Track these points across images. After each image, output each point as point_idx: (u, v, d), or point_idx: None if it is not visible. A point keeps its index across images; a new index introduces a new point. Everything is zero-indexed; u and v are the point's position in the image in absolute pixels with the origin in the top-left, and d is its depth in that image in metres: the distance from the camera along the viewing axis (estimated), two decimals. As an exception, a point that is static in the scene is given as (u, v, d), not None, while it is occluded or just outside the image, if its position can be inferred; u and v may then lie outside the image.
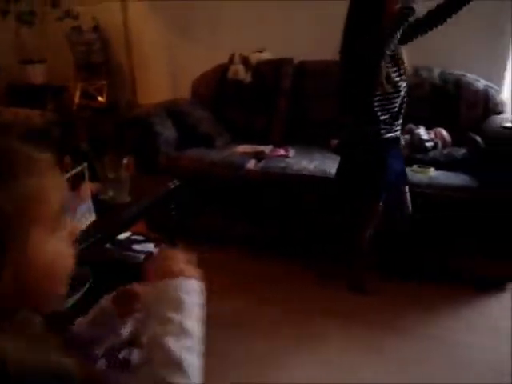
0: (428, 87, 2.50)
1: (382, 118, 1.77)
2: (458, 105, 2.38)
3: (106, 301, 0.80)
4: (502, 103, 2.39)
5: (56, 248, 0.51)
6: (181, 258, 0.67)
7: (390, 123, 1.81)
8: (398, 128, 1.86)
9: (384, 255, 2.07)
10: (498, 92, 2.42)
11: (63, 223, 0.53)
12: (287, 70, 2.73)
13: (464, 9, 1.66)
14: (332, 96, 2.58)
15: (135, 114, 2.65)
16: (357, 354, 1.69)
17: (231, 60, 2.76)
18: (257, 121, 2.78)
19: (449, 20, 1.70)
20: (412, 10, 1.64)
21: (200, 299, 0.64)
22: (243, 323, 1.83)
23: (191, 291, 0.63)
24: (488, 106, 2.35)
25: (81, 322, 0.79)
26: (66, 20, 3.11)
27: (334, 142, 2.54)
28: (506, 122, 2.13)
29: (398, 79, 1.76)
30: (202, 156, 2.35)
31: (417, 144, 2.25)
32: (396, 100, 1.79)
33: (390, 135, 1.82)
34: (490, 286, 2.05)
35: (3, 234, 0.46)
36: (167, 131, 2.43)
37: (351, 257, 2.05)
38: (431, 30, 1.74)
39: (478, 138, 2.09)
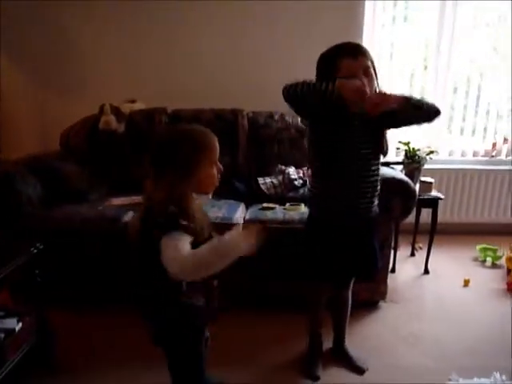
0: (294, 130, 2.74)
1: None
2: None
3: None
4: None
5: (213, 171, 1.20)
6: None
7: None
8: None
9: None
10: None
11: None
12: (161, 119, 2.75)
13: None
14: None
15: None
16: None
17: (101, 110, 2.68)
18: (134, 171, 2.69)
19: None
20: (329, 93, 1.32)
21: None
22: None
23: None
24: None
25: None
26: None
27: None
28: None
29: None
30: (72, 213, 2.19)
31: (287, 183, 2.41)
32: None
33: None
34: (362, 306, 2.20)
35: (197, 163, 1.16)
36: (30, 189, 2.22)
37: None
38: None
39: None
